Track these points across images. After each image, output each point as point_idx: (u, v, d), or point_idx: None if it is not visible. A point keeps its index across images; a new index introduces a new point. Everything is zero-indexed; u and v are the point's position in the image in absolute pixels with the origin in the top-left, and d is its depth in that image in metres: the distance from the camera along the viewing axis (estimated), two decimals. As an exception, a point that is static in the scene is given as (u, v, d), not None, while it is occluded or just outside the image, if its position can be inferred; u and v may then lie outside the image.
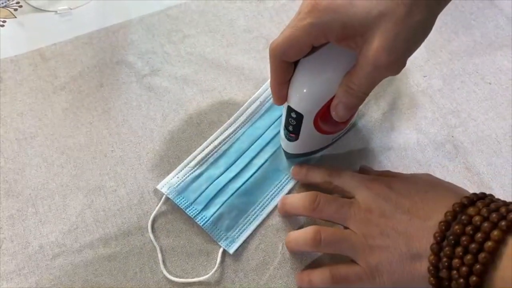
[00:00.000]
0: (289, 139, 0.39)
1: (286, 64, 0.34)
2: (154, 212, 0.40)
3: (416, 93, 0.48)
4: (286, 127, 0.39)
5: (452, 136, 0.45)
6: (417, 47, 0.32)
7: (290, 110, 0.36)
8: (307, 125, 0.37)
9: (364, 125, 0.46)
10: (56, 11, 0.51)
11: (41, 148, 0.43)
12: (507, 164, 0.44)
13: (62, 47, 0.49)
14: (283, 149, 0.42)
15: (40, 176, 0.42)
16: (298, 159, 0.43)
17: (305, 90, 0.35)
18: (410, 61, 0.49)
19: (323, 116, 0.37)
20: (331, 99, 0.35)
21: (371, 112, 0.46)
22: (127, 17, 0.51)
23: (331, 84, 0.34)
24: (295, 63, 0.35)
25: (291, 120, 0.37)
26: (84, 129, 0.44)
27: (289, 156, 0.42)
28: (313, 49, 0.34)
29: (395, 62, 0.31)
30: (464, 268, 0.29)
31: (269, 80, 0.46)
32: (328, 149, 0.44)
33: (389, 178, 0.38)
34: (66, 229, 0.40)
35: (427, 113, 0.47)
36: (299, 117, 0.36)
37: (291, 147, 0.41)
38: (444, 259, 0.31)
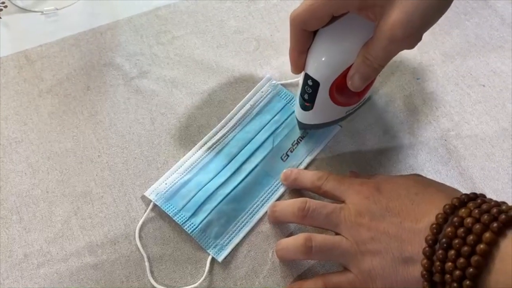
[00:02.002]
0: (304, 108, 0.40)
1: (306, 33, 0.36)
2: (142, 219, 0.39)
3: (409, 96, 0.47)
4: (301, 96, 0.39)
5: (445, 140, 0.45)
6: (434, 23, 0.33)
7: (307, 77, 0.38)
8: (322, 94, 0.38)
9: (356, 128, 0.45)
10: (42, 12, 0.50)
11: (26, 153, 0.42)
12: (500, 168, 0.44)
13: (48, 49, 0.48)
14: (297, 119, 0.43)
15: (25, 183, 0.41)
16: (310, 130, 0.44)
17: (323, 59, 0.36)
18: (403, 63, 0.49)
19: (339, 86, 0.38)
20: (347, 69, 0.36)
21: (363, 115, 0.46)
22: (115, 18, 0.50)
23: (348, 54, 0.35)
24: (314, 32, 0.36)
25: (307, 88, 0.38)
26: (70, 134, 0.44)
27: (302, 126, 0.43)
28: (333, 19, 0.34)
29: (411, 37, 0.32)
30: (457, 272, 0.29)
31: (260, 83, 0.46)
32: (319, 153, 0.43)
33: (378, 180, 0.37)
34: (52, 237, 0.39)
35: (419, 116, 0.46)
36: (315, 85, 0.37)
37: (305, 116, 0.41)
38: (437, 263, 0.30)
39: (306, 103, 0.40)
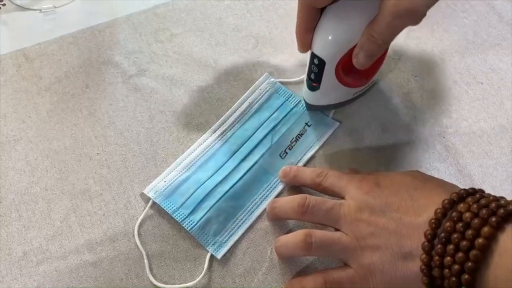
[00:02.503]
0: (311, 88, 0.41)
1: (314, 10, 0.36)
2: (141, 217, 0.40)
3: (407, 93, 0.47)
4: (308, 75, 0.40)
5: (444, 137, 0.45)
6: (436, 1, 0.33)
7: (313, 56, 0.38)
8: (329, 73, 0.38)
9: (355, 126, 0.45)
10: (40, 10, 0.50)
11: (25, 151, 0.42)
12: (498, 165, 0.44)
13: (46, 47, 0.48)
14: (304, 100, 0.43)
15: (23, 180, 0.41)
16: (318, 111, 0.44)
17: (330, 37, 0.36)
18: (401, 60, 0.49)
19: (345, 66, 0.38)
20: (353, 48, 0.36)
21: (361, 112, 0.46)
22: (113, 16, 0.50)
23: (354, 32, 0.35)
24: (321, 11, 0.36)
25: (313, 67, 0.38)
26: (69, 132, 0.44)
27: (310, 107, 0.44)
28: None
29: (415, 12, 0.32)
30: (456, 266, 0.29)
31: (258, 80, 0.46)
32: (318, 150, 0.44)
33: (377, 176, 0.38)
34: (51, 234, 0.39)
35: (418, 114, 0.46)
36: (321, 63, 0.38)
37: (313, 97, 0.42)
38: (436, 258, 0.30)
39: (313, 83, 0.40)
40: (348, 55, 0.37)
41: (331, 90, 0.41)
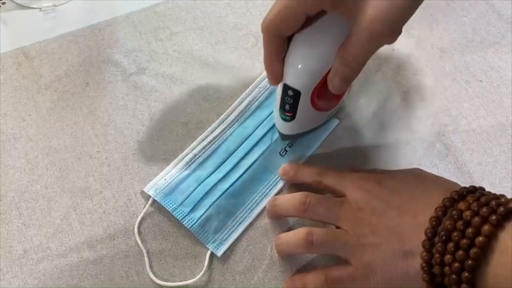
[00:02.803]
0: (285, 119, 0.39)
1: (281, 40, 0.34)
2: (141, 215, 0.40)
3: (407, 91, 0.47)
4: (282, 107, 0.38)
5: (443, 135, 0.45)
6: (413, 13, 0.31)
7: (286, 88, 0.36)
8: (304, 103, 0.36)
9: (354, 124, 0.45)
10: (40, 8, 0.50)
11: (25, 149, 0.42)
12: (498, 163, 0.44)
13: (46, 46, 0.48)
14: (278, 131, 0.41)
15: (23, 178, 0.41)
16: (293, 140, 0.42)
17: (300, 66, 0.34)
18: (400, 58, 0.49)
19: (320, 92, 0.36)
20: (327, 73, 0.34)
21: (361, 111, 0.46)
22: (113, 14, 0.50)
23: (326, 58, 0.34)
24: (289, 40, 0.34)
25: (287, 99, 0.36)
26: (69, 130, 0.44)
27: (285, 137, 0.42)
28: (306, 23, 0.33)
29: (391, 30, 0.31)
30: (456, 264, 0.29)
31: (258, 79, 0.46)
32: (318, 148, 0.44)
33: (378, 174, 0.38)
34: (51, 232, 0.39)
35: (417, 112, 0.46)
36: (296, 94, 0.36)
37: (288, 127, 0.40)
38: (436, 255, 0.30)
39: (287, 114, 0.38)
40: (323, 81, 0.35)
41: (307, 118, 0.39)
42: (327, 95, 0.36)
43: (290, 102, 0.37)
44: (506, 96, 0.47)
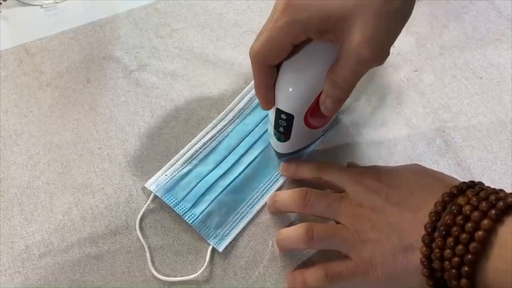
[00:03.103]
0: (280, 139, 0.39)
1: (269, 68, 0.34)
2: (142, 210, 0.40)
3: (407, 88, 0.47)
4: (276, 129, 0.38)
5: (443, 132, 0.45)
6: (399, 34, 0.31)
7: (279, 112, 0.36)
8: (298, 124, 0.37)
9: (354, 121, 0.45)
10: (41, 5, 0.50)
11: (27, 146, 0.43)
12: (497, 159, 0.44)
13: (47, 42, 0.48)
14: (274, 149, 0.42)
15: (25, 174, 0.41)
16: (290, 157, 0.42)
17: (291, 89, 0.34)
18: (401, 55, 0.49)
19: (313, 112, 0.36)
20: (319, 95, 0.34)
21: (361, 107, 0.46)
22: (114, 11, 0.50)
23: (317, 80, 0.34)
24: (278, 66, 0.34)
25: (281, 122, 0.37)
26: (70, 126, 0.44)
27: (281, 156, 0.42)
28: (294, 49, 0.33)
29: (379, 54, 0.31)
30: (456, 259, 0.29)
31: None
32: (319, 145, 0.44)
33: (378, 170, 0.38)
34: (53, 228, 0.39)
35: (417, 108, 0.46)
36: (290, 117, 0.36)
37: (283, 147, 0.40)
38: (436, 250, 0.31)
39: (282, 135, 0.38)
40: (315, 102, 0.35)
41: (302, 136, 0.40)
42: (320, 113, 0.36)
43: (284, 124, 0.37)
44: (506, 93, 0.47)
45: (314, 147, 0.44)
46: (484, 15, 0.52)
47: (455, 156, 0.44)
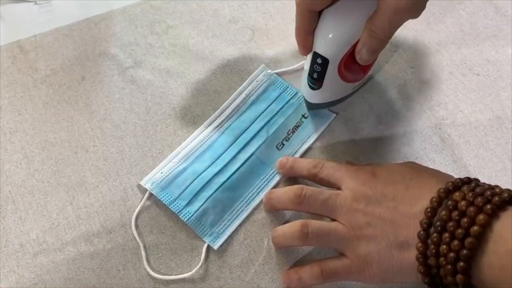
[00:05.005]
0: (313, 86, 0.41)
1: (313, 13, 0.36)
2: (138, 208, 0.40)
3: (403, 85, 0.47)
4: (310, 75, 0.40)
5: (440, 129, 0.45)
6: None
7: (316, 56, 0.38)
8: (331, 71, 0.39)
9: (351, 117, 0.45)
10: (35, 2, 0.50)
11: (21, 144, 0.42)
12: (494, 156, 0.44)
13: (42, 39, 0.48)
14: (305, 99, 0.43)
15: (20, 173, 0.41)
16: (319, 108, 0.44)
17: (330, 35, 0.37)
18: (397, 52, 0.49)
19: (347, 62, 0.39)
20: (355, 45, 0.37)
21: (358, 104, 0.46)
22: (109, 8, 0.50)
23: (355, 29, 0.36)
24: (319, 13, 0.36)
25: (316, 67, 0.39)
26: (65, 124, 0.43)
27: (311, 106, 0.44)
28: None
29: (415, 6, 0.33)
30: (451, 254, 0.29)
31: (255, 72, 0.46)
32: (314, 142, 0.44)
33: (373, 167, 0.38)
34: (47, 226, 0.39)
35: (414, 105, 0.46)
36: (325, 62, 0.38)
37: (314, 96, 0.42)
38: (432, 246, 0.31)
39: (315, 82, 0.40)
40: (350, 52, 0.37)
41: (333, 88, 0.41)
42: (353, 67, 0.39)
43: (318, 70, 0.39)
44: (503, 90, 0.47)
45: (310, 145, 0.43)
46: (481, 11, 0.52)
47: (452, 153, 0.44)
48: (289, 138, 0.43)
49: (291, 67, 0.47)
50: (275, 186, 0.41)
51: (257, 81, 0.46)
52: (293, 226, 0.37)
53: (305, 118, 0.44)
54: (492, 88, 0.47)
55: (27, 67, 0.46)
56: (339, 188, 0.37)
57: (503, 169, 0.43)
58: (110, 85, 0.46)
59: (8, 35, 0.48)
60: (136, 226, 0.39)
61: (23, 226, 0.39)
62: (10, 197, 0.40)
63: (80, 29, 0.48)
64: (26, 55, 0.47)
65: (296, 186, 0.38)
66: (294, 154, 0.43)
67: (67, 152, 0.42)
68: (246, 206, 0.40)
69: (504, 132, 0.45)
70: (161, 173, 0.41)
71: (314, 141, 0.44)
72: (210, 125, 0.43)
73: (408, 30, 0.50)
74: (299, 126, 0.44)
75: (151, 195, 0.40)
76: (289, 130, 0.43)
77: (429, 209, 0.32)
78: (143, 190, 0.40)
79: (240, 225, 0.40)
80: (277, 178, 0.42)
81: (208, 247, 0.39)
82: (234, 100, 0.45)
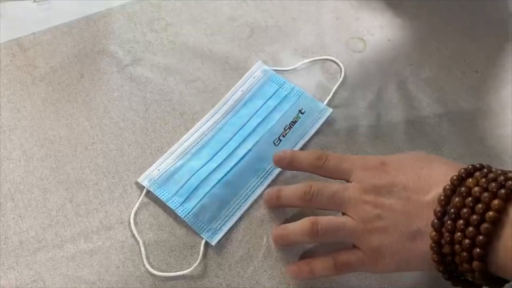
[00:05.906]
0: None
1: None
2: (136, 206, 0.40)
3: (403, 82, 0.47)
4: None
5: (439, 126, 0.45)
6: None
7: None
8: None
9: (350, 113, 0.45)
10: (34, 0, 0.50)
11: (20, 141, 0.42)
12: (493, 153, 0.44)
13: (41, 37, 0.48)
14: None
15: (19, 170, 0.41)
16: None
17: None
18: (396, 49, 0.49)
19: None
20: None
21: (357, 101, 0.46)
22: (108, 5, 0.50)
23: None
24: None
25: None
26: (64, 121, 0.43)
27: None
28: None
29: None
30: (467, 241, 0.29)
31: (252, 68, 0.46)
32: (312, 137, 0.44)
33: (382, 156, 0.37)
34: (47, 223, 0.39)
35: (413, 102, 0.46)
36: None
37: None
38: (446, 234, 0.30)
39: None
40: None
41: None
42: None
43: None
44: (502, 87, 0.47)
45: (307, 141, 0.43)
46: (481, 8, 0.52)
47: (451, 151, 0.44)
48: (286, 134, 0.43)
49: (290, 68, 0.47)
50: (272, 182, 0.41)
51: (254, 78, 0.46)
52: (302, 225, 0.36)
53: (302, 113, 0.44)
54: (491, 86, 0.47)
55: (26, 64, 0.46)
56: (347, 180, 0.36)
57: (502, 166, 0.43)
58: (109, 83, 0.46)
59: (7, 33, 0.48)
60: (135, 223, 0.39)
61: (22, 223, 0.39)
62: (9, 195, 0.40)
63: (79, 26, 0.48)
64: (25, 53, 0.47)
65: (304, 183, 0.37)
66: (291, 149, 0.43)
67: (66, 150, 0.42)
68: (243, 202, 0.40)
69: (504, 130, 0.45)
70: (158, 170, 0.41)
71: (312, 137, 0.44)
72: (207, 121, 0.43)
73: (407, 27, 0.50)
74: (296, 121, 0.44)
75: (149, 192, 0.40)
76: (286, 125, 0.43)
77: (442, 197, 0.31)
78: (142, 187, 0.40)
79: (239, 222, 0.40)
80: (274, 174, 0.41)
81: (206, 243, 0.39)
82: (231, 96, 0.45)
